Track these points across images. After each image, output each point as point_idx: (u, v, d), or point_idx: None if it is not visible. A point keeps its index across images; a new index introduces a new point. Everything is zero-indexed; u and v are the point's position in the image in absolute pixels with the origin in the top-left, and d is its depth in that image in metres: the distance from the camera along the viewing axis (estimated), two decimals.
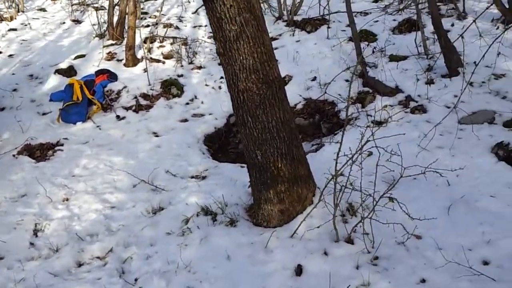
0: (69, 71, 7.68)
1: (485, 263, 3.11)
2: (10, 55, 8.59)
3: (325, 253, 3.25)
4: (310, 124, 6.43)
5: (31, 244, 3.82)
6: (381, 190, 3.25)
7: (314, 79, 6.87)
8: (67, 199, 4.50)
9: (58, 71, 7.63)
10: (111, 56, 8.35)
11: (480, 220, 3.48)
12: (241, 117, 3.41)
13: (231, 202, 4.03)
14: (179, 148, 5.63)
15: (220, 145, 6.29)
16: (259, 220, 3.69)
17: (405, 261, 3.14)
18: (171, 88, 7.01)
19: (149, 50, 8.32)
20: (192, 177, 4.88)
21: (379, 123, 5.35)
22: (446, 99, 5.40)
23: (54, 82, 7.42)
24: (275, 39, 8.35)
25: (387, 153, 3.19)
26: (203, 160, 5.32)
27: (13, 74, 7.74)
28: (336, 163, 3.18)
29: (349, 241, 3.33)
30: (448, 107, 5.22)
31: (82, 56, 8.37)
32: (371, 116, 5.54)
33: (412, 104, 5.52)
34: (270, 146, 3.40)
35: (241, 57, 3.17)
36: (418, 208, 3.67)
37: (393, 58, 6.59)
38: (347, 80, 6.59)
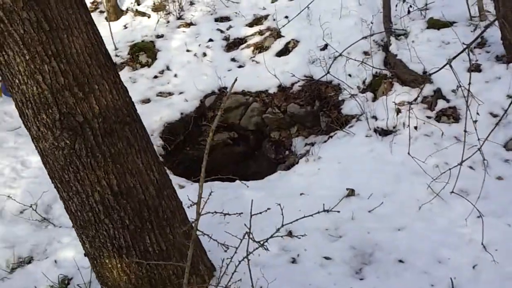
0: None
1: None
2: None
3: None
4: (307, 113, 4.74)
5: None
6: None
7: (325, 47, 5.06)
8: None
9: None
10: (95, 7, 6.94)
11: None
12: (51, 179, 1.92)
13: None
14: None
15: (185, 137, 4.82)
16: None
17: None
18: (139, 54, 5.51)
19: (138, 1, 6.76)
20: None
21: (384, 132, 3.59)
22: (494, 100, 3.46)
23: None
24: None
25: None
26: None
27: None
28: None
29: None
30: (495, 116, 3.33)
31: None
32: (376, 119, 3.75)
33: (441, 104, 3.63)
34: (98, 233, 1.89)
35: (17, 81, 1.64)
36: None
37: (433, 24, 4.54)
38: (366, 53, 4.73)
